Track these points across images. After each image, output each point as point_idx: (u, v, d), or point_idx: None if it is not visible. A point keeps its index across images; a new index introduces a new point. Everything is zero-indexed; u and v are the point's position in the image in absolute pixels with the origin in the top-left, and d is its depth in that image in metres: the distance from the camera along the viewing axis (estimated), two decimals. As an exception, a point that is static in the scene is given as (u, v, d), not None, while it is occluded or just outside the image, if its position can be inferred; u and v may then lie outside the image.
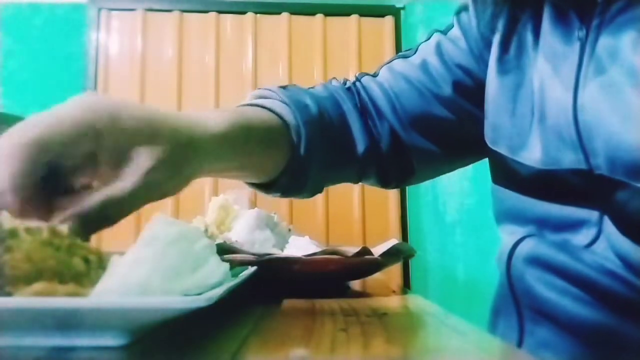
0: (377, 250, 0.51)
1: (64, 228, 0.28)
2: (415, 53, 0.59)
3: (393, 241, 0.54)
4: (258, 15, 2.01)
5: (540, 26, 0.48)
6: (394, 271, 1.87)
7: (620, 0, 0.39)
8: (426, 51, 0.58)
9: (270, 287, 0.48)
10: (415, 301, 0.45)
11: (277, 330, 0.32)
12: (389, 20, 2.03)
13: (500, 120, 0.50)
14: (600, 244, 0.42)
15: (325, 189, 0.56)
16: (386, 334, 0.30)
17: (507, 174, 0.50)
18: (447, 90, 0.56)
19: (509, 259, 0.48)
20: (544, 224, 0.47)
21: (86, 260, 0.27)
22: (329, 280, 0.51)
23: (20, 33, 1.94)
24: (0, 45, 1.89)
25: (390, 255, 0.51)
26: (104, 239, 1.83)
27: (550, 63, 0.45)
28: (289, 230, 0.63)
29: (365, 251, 0.48)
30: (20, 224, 0.27)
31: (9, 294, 0.24)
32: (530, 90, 0.48)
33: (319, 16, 2.01)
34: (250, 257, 0.46)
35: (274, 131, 0.49)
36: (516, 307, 0.47)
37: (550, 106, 0.45)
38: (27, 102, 1.87)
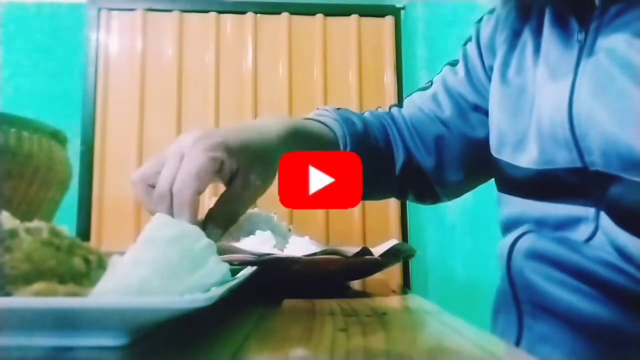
0: (377, 250, 0.51)
1: (63, 228, 0.28)
2: (430, 85, 0.68)
3: (393, 241, 0.54)
4: (258, 15, 2.01)
5: (541, 34, 0.50)
6: (394, 271, 1.87)
7: (616, 3, 0.41)
8: (436, 83, 0.67)
9: (270, 287, 0.48)
10: (415, 301, 0.45)
11: (277, 330, 0.31)
12: (389, 20, 2.02)
13: (503, 129, 0.53)
14: (598, 238, 0.43)
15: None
16: (386, 334, 0.30)
17: (508, 180, 0.52)
18: (447, 113, 0.64)
19: (509, 254, 0.49)
20: (543, 224, 0.47)
21: (86, 260, 0.27)
22: (329, 280, 0.51)
23: (20, 33, 1.94)
24: (0, 45, 1.89)
25: (390, 255, 0.51)
26: (104, 239, 1.83)
27: (549, 67, 0.47)
28: (289, 230, 0.63)
29: (365, 251, 0.48)
30: (20, 224, 0.27)
31: (8, 294, 0.24)
32: (531, 97, 0.50)
33: (319, 16, 2.01)
34: (250, 257, 0.46)
35: (325, 139, 0.59)
36: (515, 302, 0.48)
37: (546, 107, 0.46)
38: (27, 102, 1.87)
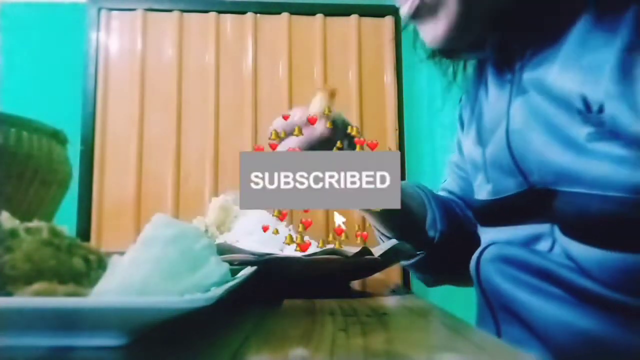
0: (377, 251, 0.51)
1: (63, 228, 0.28)
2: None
3: (393, 241, 0.54)
4: (258, 15, 2.01)
5: (487, 88, 0.56)
6: (394, 271, 1.87)
7: (531, 46, 0.48)
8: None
9: (270, 287, 0.48)
10: (415, 301, 0.45)
11: (277, 330, 0.31)
12: (389, 20, 2.02)
13: (476, 178, 0.58)
14: (556, 250, 0.45)
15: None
16: (386, 334, 0.30)
17: (477, 213, 0.58)
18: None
19: (477, 264, 0.53)
20: (510, 245, 0.50)
21: (86, 260, 0.27)
22: (329, 280, 0.51)
23: (20, 33, 1.94)
24: (0, 45, 1.89)
25: (390, 255, 0.51)
26: (104, 239, 1.83)
27: (492, 110, 0.53)
28: (289, 230, 0.63)
29: (365, 251, 0.48)
30: (20, 224, 0.27)
31: (9, 294, 0.24)
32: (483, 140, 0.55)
33: (319, 16, 2.00)
34: (250, 257, 0.46)
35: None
36: (491, 311, 0.50)
37: (492, 145, 0.52)
38: (27, 102, 1.87)
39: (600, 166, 0.39)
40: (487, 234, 0.55)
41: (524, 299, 0.46)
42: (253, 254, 0.47)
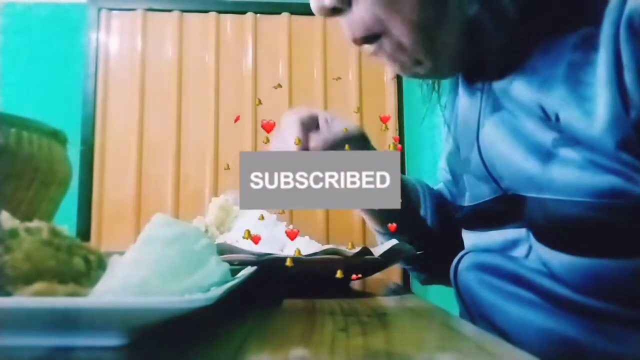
0: (377, 251, 0.51)
1: (63, 228, 0.28)
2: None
3: (393, 241, 0.54)
4: (258, 15, 2.01)
5: (459, 97, 0.57)
6: (394, 271, 1.87)
7: (500, 61, 0.48)
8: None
9: (270, 287, 0.48)
10: (415, 301, 0.45)
11: (277, 330, 0.31)
12: (389, 20, 2.02)
13: (455, 181, 0.59)
14: (532, 255, 0.45)
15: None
16: (386, 334, 0.30)
17: (459, 219, 0.58)
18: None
19: (455, 273, 0.53)
20: (489, 250, 0.51)
21: (86, 260, 0.27)
22: (329, 280, 0.51)
23: (20, 33, 1.94)
24: (0, 45, 1.89)
25: (390, 255, 0.51)
26: (104, 239, 1.83)
27: (464, 118, 0.54)
28: (279, 222, 0.63)
29: (365, 251, 0.48)
30: (20, 224, 0.27)
31: (9, 294, 0.24)
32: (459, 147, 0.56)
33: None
34: (251, 257, 0.46)
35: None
36: (471, 319, 0.50)
37: (466, 152, 0.52)
38: (27, 101, 1.87)
39: (565, 171, 0.40)
40: (468, 239, 0.56)
41: (500, 306, 0.46)
42: (253, 254, 0.47)
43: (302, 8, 2.01)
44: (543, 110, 0.42)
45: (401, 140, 1.96)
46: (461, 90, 0.55)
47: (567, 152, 0.40)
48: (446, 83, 0.61)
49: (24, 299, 0.24)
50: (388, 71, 1.99)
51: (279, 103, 1.95)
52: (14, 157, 0.46)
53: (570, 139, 0.39)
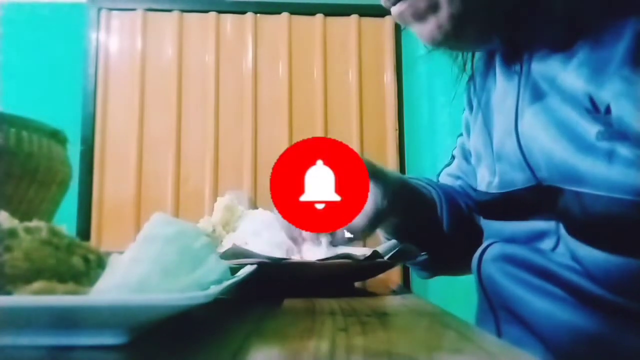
0: (383, 250, 0.52)
1: (62, 227, 0.28)
2: (453, 160, 0.70)
3: (393, 242, 0.54)
4: (258, 15, 2.01)
5: (496, 78, 0.55)
6: (394, 271, 1.87)
7: (540, 41, 0.47)
8: (457, 156, 0.70)
9: (279, 289, 0.48)
10: (415, 301, 0.45)
11: (277, 330, 0.31)
12: (389, 20, 2.02)
13: (480, 168, 0.57)
14: (560, 249, 0.45)
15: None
16: (386, 334, 0.30)
17: (482, 207, 0.57)
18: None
19: (479, 263, 0.52)
20: (514, 241, 0.50)
21: (85, 260, 0.27)
22: (337, 282, 0.52)
23: (20, 33, 1.94)
24: (0, 45, 1.89)
25: (396, 257, 0.51)
26: (104, 239, 1.83)
27: (500, 101, 0.52)
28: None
29: (375, 254, 0.49)
30: (19, 223, 0.27)
31: (8, 293, 0.24)
32: (490, 130, 0.55)
33: (319, 16, 2.01)
34: (266, 262, 0.46)
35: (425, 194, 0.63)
36: (492, 310, 0.50)
37: (501, 137, 0.51)
38: (27, 102, 1.87)
39: (608, 167, 0.38)
40: (491, 228, 0.54)
41: (525, 298, 0.45)
42: (268, 257, 0.47)
43: (302, 8, 2.01)
44: (591, 101, 0.40)
45: (401, 140, 1.96)
46: (498, 72, 0.54)
47: (612, 147, 0.38)
48: (479, 64, 0.59)
49: (23, 298, 0.24)
50: (388, 71, 1.99)
51: (279, 103, 1.95)
52: (14, 157, 0.46)
53: (618, 133, 0.38)
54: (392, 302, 0.45)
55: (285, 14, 2.01)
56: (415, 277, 1.96)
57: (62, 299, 0.24)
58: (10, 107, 0.52)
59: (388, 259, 0.50)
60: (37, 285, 0.24)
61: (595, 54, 0.41)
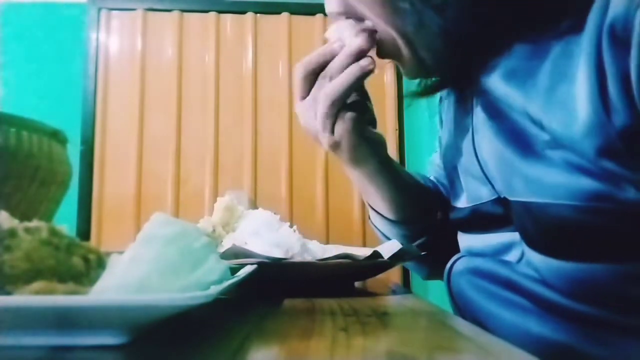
0: (384, 250, 0.52)
1: (62, 227, 0.28)
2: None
3: (394, 242, 0.55)
4: (258, 15, 2.01)
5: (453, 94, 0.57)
6: (394, 271, 1.87)
7: (488, 58, 0.47)
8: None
9: (279, 289, 0.48)
10: (415, 301, 0.45)
11: (278, 330, 0.31)
12: (389, 20, 2.02)
13: (449, 181, 0.59)
14: (524, 260, 0.45)
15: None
16: (386, 334, 0.30)
17: (455, 221, 0.58)
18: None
19: (448, 276, 0.53)
20: (484, 254, 0.51)
21: (85, 260, 0.27)
22: (338, 281, 0.52)
23: (21, 33, 1.94)
24: (0, 45, 1.89)
25: (397, 257, 0.51)
26: (104, 239, 1.83)
27: (458, 120, 0.54)
28: (294, 231, 0.63)
29: (376, 254, 0.49)
30: (19, 223, 0.27)
31: (8, 293, 0.24)
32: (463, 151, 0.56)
33: (319, 16, 2.01)
34: (266, 262, 0.46)
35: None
36: None
37: (462, 152, 0.52)
38: (27, 102, 1.87)
39: (550, 174, 0.39)
40: (464, 241, 0.55)
41: (492, 310, 0.46)
42: (269, 258, 0.47)
43: (302, 8, 2.01)
44: (528, 113, 0.41)
45: (401, 140, 1.96)
46: (456, 90, 0.55)
47: (553, 154, 0.39)
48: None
49: (23, 298, 0.24)
50: (388, 71, 1.99)
51: (279, 103, 1.95)
52: (14, 157, 0.46)
53: (554, 141, 0.39)
54: (392, 302, 0.45)
55: (285, 14, 2.01)
56: (415, 277, 1.96)
57: (62, 299, 0.24)
58: (10, 107, 0.51)
59: (388, 259, 0.50)
60: (37, 285, 0.24)
61: (526, 68, 0.42)
